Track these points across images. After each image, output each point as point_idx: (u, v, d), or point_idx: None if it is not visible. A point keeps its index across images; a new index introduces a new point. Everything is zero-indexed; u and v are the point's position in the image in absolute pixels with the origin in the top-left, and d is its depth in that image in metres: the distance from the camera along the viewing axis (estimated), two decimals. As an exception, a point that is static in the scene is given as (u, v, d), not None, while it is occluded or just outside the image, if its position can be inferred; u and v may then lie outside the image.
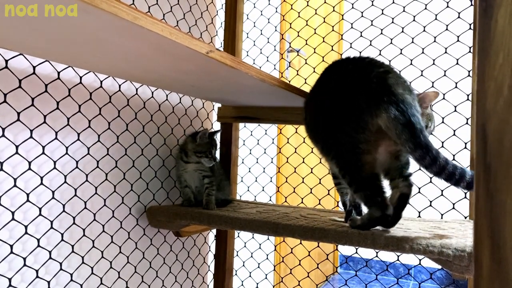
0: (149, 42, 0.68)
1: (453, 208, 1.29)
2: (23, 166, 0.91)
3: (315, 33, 1.60)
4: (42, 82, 0.94)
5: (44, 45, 0.74)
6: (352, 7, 1.50)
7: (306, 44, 1.67)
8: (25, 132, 0.91)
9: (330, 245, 3.08)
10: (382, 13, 1.42)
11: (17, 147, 0.89)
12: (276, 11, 1.72)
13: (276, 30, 1.75)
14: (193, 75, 0.94)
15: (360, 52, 1.51)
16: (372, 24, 1.43)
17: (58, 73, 0.97)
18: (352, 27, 1.51)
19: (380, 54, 1.45)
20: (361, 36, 1.48)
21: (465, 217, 1.24)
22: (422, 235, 0.94)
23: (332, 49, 1.64)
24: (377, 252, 1.50)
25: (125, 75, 1.00)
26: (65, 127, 1.00)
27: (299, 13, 1.68)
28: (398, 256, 1.40)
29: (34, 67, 0.91)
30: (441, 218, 1.26)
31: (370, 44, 1.46)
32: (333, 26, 1.62)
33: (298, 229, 1.05)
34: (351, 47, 1.53)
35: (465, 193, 1.24)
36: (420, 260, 1.43)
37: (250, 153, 1.66)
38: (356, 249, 1.48)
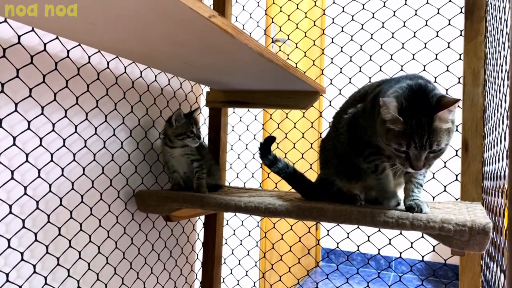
0: (149, 1, 0.64)
1: (445, 190, 1.30)
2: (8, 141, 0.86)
3: (297, 27, 1.59)
4: (28, 52, 0.88)
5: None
6: (334, 2, 1.50)
7: (288, 39, 1.65)
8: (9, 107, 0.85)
9: (313, 238, 3.08)
10: (363, 8, 1.42)
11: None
12: (259, 5, 1.69)
13: (258, 26, 1.72)
14: (188, 48, 0.91)
15: (342, 48, 1.50)
16: (353, 19, 1.42)
17: (45, 44, 0.92)
18: (333, 22, 1.49)
19: (361, 49, 1.45)
20: (342, 31, 1.47)
21: (456, 199, 1.25)
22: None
23: (314, 44, 1.63)
24: (358, 246, 1.49)
25: (115, 49, 0.96)
26: (51, 102, 0.95)
27: (281, 7, 1.65)
28: (379, 249, 1.39)
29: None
30: (433, 200, 1.26)
31: (351, 39, 1.45)
32: (314, 21, 1.60)
33: (295, 209, 1.03)
34: (332, 42, 1.51)
35: (456, 176, 1.25)
36: (401, 253, 1.44)
37: (240, 139, 1.63)
38: (338, 243, 1.47)
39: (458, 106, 1.20)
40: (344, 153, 1.04)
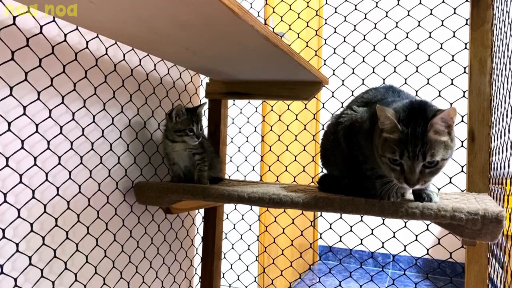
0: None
1: (450, 182, 1.27)
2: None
3: (298, 17, 1.55)
4: (24, 35, 0.84)
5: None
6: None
7: (290, 29, 1.62)
8: (5, 89, 0.82)
9: (311, 235, 3.06)
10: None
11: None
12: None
13: (259, 16, 1.69)
14: (190, 31, 0.87)
15: (344, 38, 1.47)
16: (356, 9, 1.40)
17: (41, 27, 0.88)
18: (336, 11, 1.47)
19: (364, 39, 1.42)
20: (345, 20, 1.44)
21: (462, 191, 1.23)
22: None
23: (316, 34, 1.60)
24: (361, 240, 1.47)
25: (114, 32, 0.92)
26: (48, 87, 0.91)
27: (281, -3, 1.62)
28: (383, 242, 1.37)
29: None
30: (438, 191, 1.24)
31: (355, 29, 1.42)
32: (316, 11, 1.58)
33: (300, 199, 1.00)
34: (335, 31, 1.49)
35: (462, 167, 1.23)
36: (405, 246, 1.41)
37: (240, 132, 1.60)
38: (340, 237, 1.44)
39: (464, 96, 1.18)
40: (345, 157, 1.03)
